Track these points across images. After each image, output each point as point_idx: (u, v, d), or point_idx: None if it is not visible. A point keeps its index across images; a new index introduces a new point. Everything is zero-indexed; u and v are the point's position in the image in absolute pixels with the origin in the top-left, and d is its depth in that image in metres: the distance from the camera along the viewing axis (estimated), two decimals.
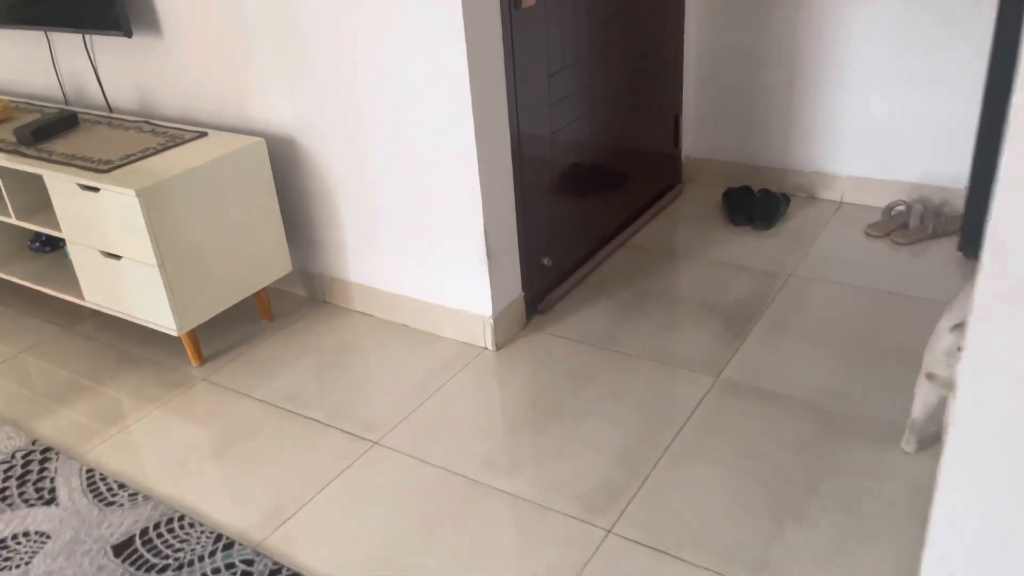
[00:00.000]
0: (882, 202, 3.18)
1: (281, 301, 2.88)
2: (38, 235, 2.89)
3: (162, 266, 2.30)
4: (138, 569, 1.78)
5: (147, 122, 2.72)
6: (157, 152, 2.45)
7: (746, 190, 3.28)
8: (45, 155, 2.47)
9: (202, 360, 2.56)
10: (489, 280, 2.41)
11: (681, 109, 3.41)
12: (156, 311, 2.40)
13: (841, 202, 3.26)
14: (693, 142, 3.50)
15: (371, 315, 2.75)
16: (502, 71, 2.25)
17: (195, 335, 2.50)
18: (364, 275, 2.72)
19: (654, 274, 2.86)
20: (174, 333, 2.39)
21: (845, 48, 3.01)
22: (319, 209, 2.66)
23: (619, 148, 2.96)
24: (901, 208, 3.06)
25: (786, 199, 3.21)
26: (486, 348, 2.51)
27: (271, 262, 2.64)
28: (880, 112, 3.05)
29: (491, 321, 2.46)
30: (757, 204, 3.16)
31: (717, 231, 3.13)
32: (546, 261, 2.66)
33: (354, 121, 2.41)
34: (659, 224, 3.23)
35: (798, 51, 3.11)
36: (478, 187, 2.27)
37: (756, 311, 2.58)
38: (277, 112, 2.56)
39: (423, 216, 2.45)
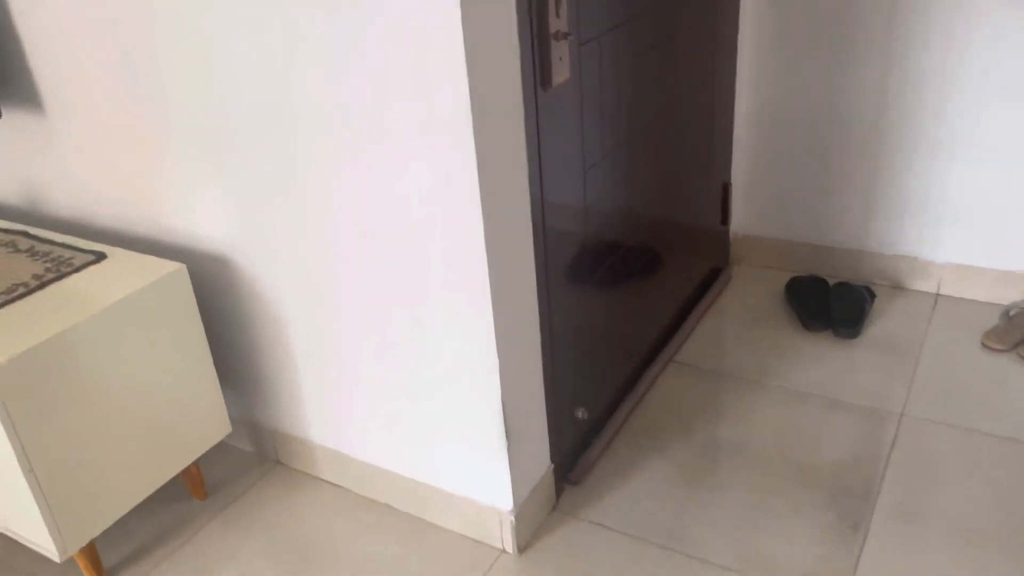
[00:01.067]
0: (991, 297, 2.51)
1: (219, 462, 2.15)
2: None
3: (31, 472, 1.56)
4: None
5: (26, 233, 1.98)
6: (32, 290, 1.71)
7: (817, 281, 2.59)
8: None
9: None
10: (508, 464, 1.70)
11: (730, 177, 2.72)
12: (30, 529, 1.66)
13: (938, 294, 2.59)
14: (743, 216, 2.81)
15: (343, 488, 2.03)
16: (524, 175, 1.54)
17: (93, 548, 1.76)
18: (330, 437, 2.00)
19: (717, 412, 2.16)
20: (56, 558, 1.66)
21: (947, 104, 2.34)
22: (265, 350, 1.94)
23: (659, 230, 2.26)
24: None
25: (870, 294, 2.53)
26: (504, 551, 1.80)
27: (201, 427, 1.91)
28: (993, 184, 2.38)
29: (511, 517, 1.75)
30: (835, 302, 2.47)
31: (786, 338, 2.44)
32: (580, 414, 1.96)
33: (314, 239, 1.68)
34: (710, 327, 2.53)
35: (884, 107, 2.43)
36: (493, 343, 1.56)
37: (870, 482, 1.89)
38: (205, 223, 1.83)
39: (411, 376, 1.73)
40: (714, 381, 2.29)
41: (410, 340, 1.68)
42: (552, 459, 1.88)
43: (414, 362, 1.71)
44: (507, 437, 1.67)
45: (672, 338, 2.42)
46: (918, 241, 2.56)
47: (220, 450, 2.19)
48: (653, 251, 2.19)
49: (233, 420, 2.15)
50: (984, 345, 2.32)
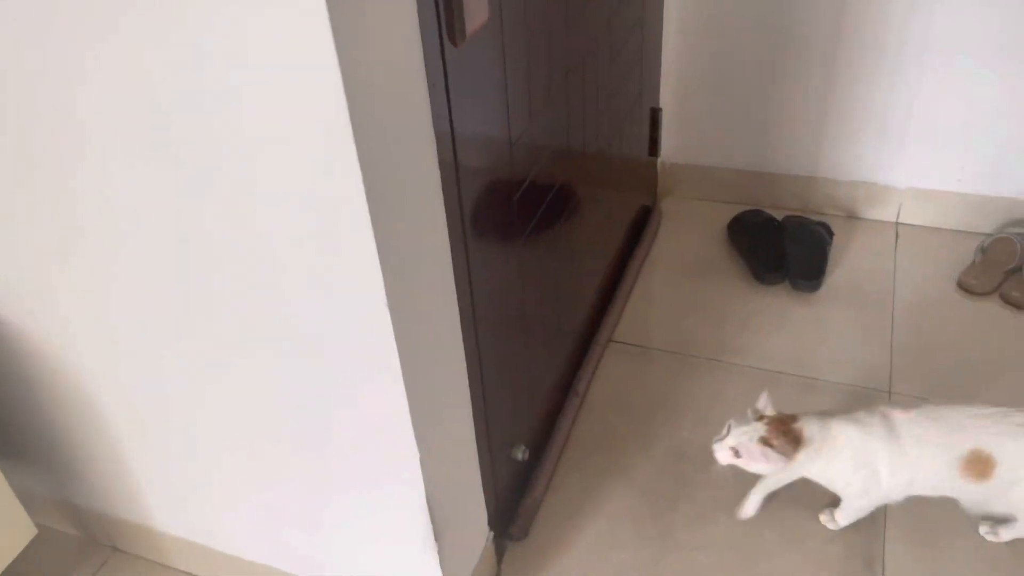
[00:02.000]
0: (956, 223, 2.18)
1: (39, 558, 1.58)
2: None
3: None
4: None
5: None
6: None
7: (765, 221, 2.19)
8: None
9: None
10: (439, 561, 1.24)
11: (658, 101, 2.23)
12: None
13: (898, 223, 2.24)
14: (675, 144, 2.34)
15: None
16: (434, 165, 1.00)
17: None
18: (183, 526, 1.47)
19: (675, 409, 1.75)
20: None
21: (911, 11, 1.91)
22: (70, 427, 1.36)
23: (583, 174, 1.77)
24: (1007, 242, 2.06)
25: (828, 232, 2.15)
26: None
27: None
28: (959, 100, 2.00)
29: None
30: (791, 246, 2.08)
31: (738, 296, 2.04)
32: (520, 454, 1.50)
33: (124, 284, 1.10)
34: (647, 289, 2.10)
35: (840, 13, 1.98)
36: (407, 418, 1.05)
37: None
38: None
39: (296, 462, 1.21)
40: (664, 364, 1.87)
41: (284, 415, 1.15)
42: (491, 524, 1.43)
43: (294, 446, 1.19)
44: (436, 538, 1.20)
45: (606, 313, 1.98)
46: (876, 165, 2.18)
47: (38, 544, 1.61)
48: (579, 201, 1.70)
49: (51, 503, 1.57)
50: (961, 287, 2.00)
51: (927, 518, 1.49)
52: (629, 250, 2.16)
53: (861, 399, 1.74)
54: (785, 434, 1.31)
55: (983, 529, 1.45)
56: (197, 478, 1.34)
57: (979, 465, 1.28)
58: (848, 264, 2.11)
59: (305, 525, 1.32)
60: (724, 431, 1.36)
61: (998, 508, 1.39)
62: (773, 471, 1.34)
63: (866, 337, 1.89)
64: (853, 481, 1.36)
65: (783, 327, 1.94)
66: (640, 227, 2.24)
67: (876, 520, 1.49)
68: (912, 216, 2.22)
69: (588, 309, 1.87)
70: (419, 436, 1.07)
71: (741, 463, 1.34)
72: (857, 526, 1.48)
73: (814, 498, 1.53)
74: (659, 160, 2.36)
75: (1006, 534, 1.43)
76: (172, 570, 1.53)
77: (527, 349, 1.49)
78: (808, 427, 1.33)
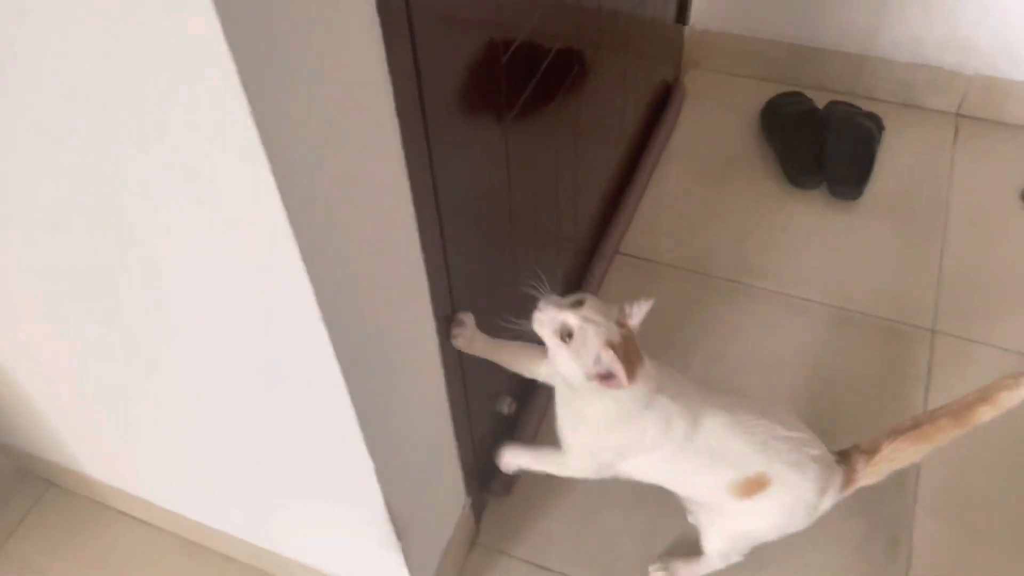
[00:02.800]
0: None
1: None
2: None
3: None
4: None
5: None
6: None
7: (806, 111, 1.86)
8: None
9: None
10: (404, 559, 1.06)
11: None
12: None
13: (958, 115, 1.92)
14: (704, 7, 1.97)
15: (147, 523, 1.36)
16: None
17: None
18: (118, 479, 1.29)
19: (684, 341, 1.53)
20: None
21: None
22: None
23: (594, 41, 1.45)
24: None
25: (878, 126, 1.84)
26: None
27: None
28: None
29: None
30: (833, 143, 1.78)
31: (766, 202, 1.77)
32: (506, 407, 1.29)
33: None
34: (663, 190, 1.81)
35: None
36: (350, 409, 0.83)
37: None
38: None
39: (228, 436, 1.01)
40: (676, 285, 1.63)
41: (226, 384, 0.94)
42: (469, 484, 1.25)
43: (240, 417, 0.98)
44: (399, 537, 1.01)
45: (613, 220, 1.71)
46: (942, 45, 1.83)
47: None
48: (585, 71, 1.38)
49: None
50: None
51: (960, 493, 1.32)
52: (644, 139, 1.85)
53: (899, 338, 1.51)
54: (631, 360, 0.98)
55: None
56: (127, 436, 1.14)
57: (753, 486, 1.05)
58: (897, 165, 1.81)
59: (248, 503, 1.14)
60: (568, 299, 0.98)
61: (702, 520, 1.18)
62: (579, 380, 0.97)
63: (912, 259, 1.64)
64: (605, 438, 1.05)
65: (816, 244, 1.68)
66: (658, 109, 1.92)
67: (905, 492, 1.31)
68: (977, 108, 1.90)
69: (592, 214, 1.61)
70: (363, 410, 0.84)
71: (557, 346, 0.96)
72: (883, 498, 1.31)
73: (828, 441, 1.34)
74: (686, 28, 2.00)
75: (702, 570, 1.23)
76: (112, 510, 1.37)
77: (515, 268, 1.24)
78: (647, 370, 1.01)
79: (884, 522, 1.29)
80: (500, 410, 1.29)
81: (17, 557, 1.33)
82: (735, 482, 1.04)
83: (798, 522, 1.10)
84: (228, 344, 0.82)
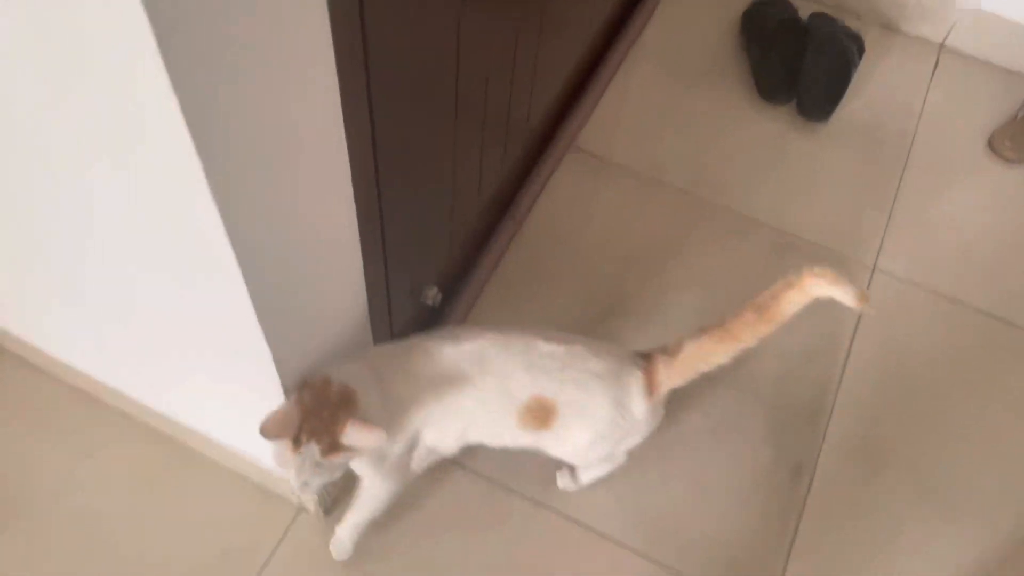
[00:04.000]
0: (1012, 62, 1.80)
1: None
2: None
3: None
4: None
5: None
6: None
7: (788, 21, 1.76)
8: None
9: None
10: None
11: None
12: None
13: (942, 47, 1.84)
14: None
15: (38, 368, 1.30)
16: None
17: None
18: (3, 315, 1.22)
19: (625, 248, 1.49)
20: None
21: None
22: None
23: None
24: None
25: (859, 48, 1.75)
26: (304, 510, 1.21)
27: None
28: None
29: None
30: (811, 60, 1.69)
31: (732, 112, 1.69)
32: (431, 298, 1.24)
33: None
34: (628, 86, 1.72)
35: None
36: (244, 291, 0.77)
37: (818, 406, 1.36)
38: None
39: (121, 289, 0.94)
40: (626, 187, 1.57)
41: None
42: None
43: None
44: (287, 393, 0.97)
45: (570, 112, 1.62)
46: None
47: None
48: None
49: None
50: (992, 148, 1.68)
51: (869, 438, 1.33)
52: (614, 31, 1.74)
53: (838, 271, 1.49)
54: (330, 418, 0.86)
55: (560, 482, 1.23)
56: (15, 269, 1.06)
57: (539, 414, 0.99)
58: (870, 92, 1.74)
59: (143, 368, 1.09)
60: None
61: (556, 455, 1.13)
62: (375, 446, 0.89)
63: (867, 193, 1.60)
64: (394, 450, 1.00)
65: (776, 164, 1.63)
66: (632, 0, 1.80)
67: (816, 429, 1.32)
68: (962, 42, 1.82)
69: (549, 103, 1.51)
70: (259, 294, 0.78)
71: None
72: (795, 430, 1.31)
73: (752, 378, 1.34)
74: None
75: (583, 477, 1.21)
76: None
77: (456, 152, 1.16)
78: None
79: (791, 453, 1.30)
80: (424, 301, 1.23)
81: None
82: (519, 415, 0.98)
83: (622, 433, 1.05)
84: (123, 196, 0.73)
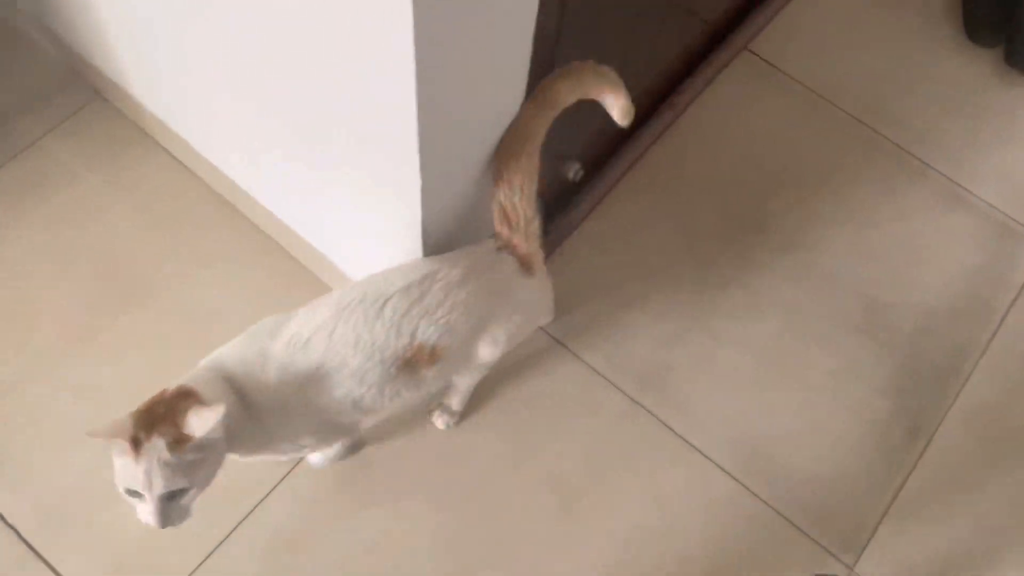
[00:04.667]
0: None
1: (21, 67, 1.37)
2: None
3: None
4: None
5: None
6: None
7: None
8: None
9: None
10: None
11: None
12: None
13: None
14: None
15: (185, 167, 1.32)
16: None
17: None
18: (164, 108, 1.22)
19: (781, 169, 1.39)
20: None
21: None
22: None
23: None
24: None
25: None
26: None
27: None
28: None
29: None
30: None
31: (932, 47, 1.53)
32: (572, 173, 1.19)
33: None
34: (800, 9, 1.58)
35: None
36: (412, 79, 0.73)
37: (954, 365, 1.27)
38: None
39: (286, 123, 0.92)
40: (794, 102, 1.46)
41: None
42: None
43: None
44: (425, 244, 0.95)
45: (751, 12, 1.49)
46: None
47: (23, 58, 1.38)
48: None
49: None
50: None
51: (998, 416, 1.24)
52: None
53: (1004, 237, 1.36)
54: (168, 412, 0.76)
55: (438, 422, 1.15)
56: (179, 69, 1.06)
57: (422, 358, 0.87)
58: None
59: (288, 184, 1.08)
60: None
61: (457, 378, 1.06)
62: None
63: None
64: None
65: (965, 111, 1.48)
66: None
67: (945, 395, 1.24)
68: None
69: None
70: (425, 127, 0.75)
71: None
72: (920, 391, 1.23)
73: (895, 333, 1.26)
74: None
75: (455, 405, 1.13)
76: (152, 141, 1.33)
77: (635, 24, 1.09)
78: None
79: (912, 412, 1.23)
80: (565, 174, 1.18)
81: (51, 154, 1.31)
82: (400, 360, 0.85)
83: (524, 323, 0.98)
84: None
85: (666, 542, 1.12)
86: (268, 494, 1.11)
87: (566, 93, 0.89)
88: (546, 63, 0.89)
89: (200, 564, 1.07)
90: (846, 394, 1.23)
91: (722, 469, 1.16)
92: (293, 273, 1.25)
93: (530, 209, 0.91)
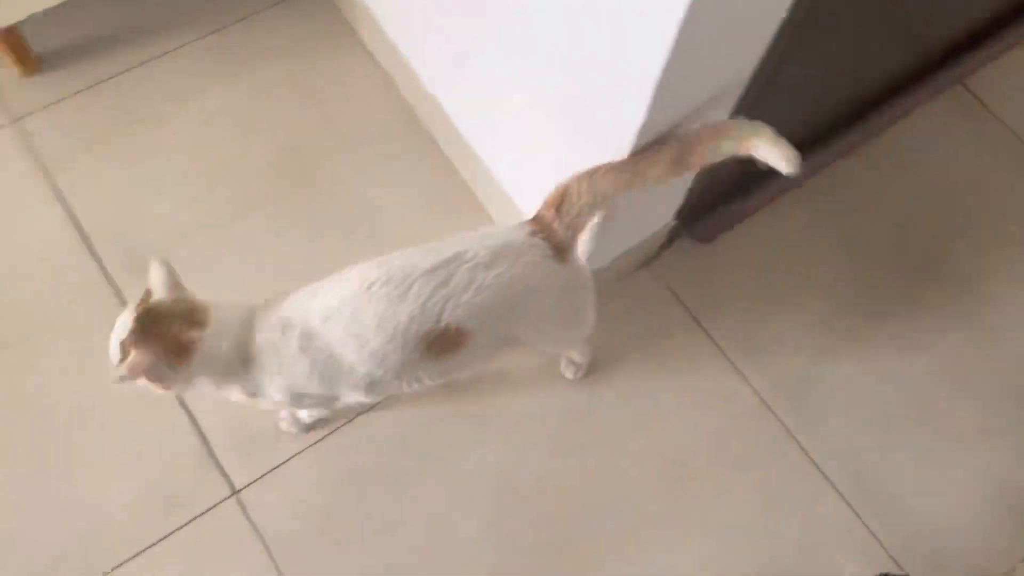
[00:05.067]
0: None
1: None
2: None
3: None
4: None
5: None
6: None
7: None
8: None
9: (34, 67, 1.30)
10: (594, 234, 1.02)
11: None
12: None
13: None
14: None
15: (386, 73, 1.35)
16: None
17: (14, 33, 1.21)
18: (397, 35, 1.26)
19: (981, 213, 1.33)
20: None
21: None
22: None
23: None
24: None
25: None
26: None
27: None
28: None
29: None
30: None
31: None
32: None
33: None
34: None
35: None
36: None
37: None
38: None
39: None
40: (1002, 151, 1.39)
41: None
42: (676, 216, 1.17)
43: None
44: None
45: (980, 44, 1.42)
46: None
47: None
48: None
49: None
50: None
51: None
52: None
53: None
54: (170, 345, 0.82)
55: (567, 372, 1.16)
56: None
57: (447, 341, 0.86)
58: None
59: (509, 129, 1.09)
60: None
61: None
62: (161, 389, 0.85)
63: None
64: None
65: None
66: None
67: None
68: None
69: (960, 27, 1.34)
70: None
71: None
72: None
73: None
74: None
75: (576, 357, 1.14)
76: (359, 42, 1.37)
77: (858, 32, 1.06)
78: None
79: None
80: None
81: (273, 28, 1.36)
82: (423, 343, 0.85)
83: (565, 315, 0.96)
84: None
85: (762, 545, 1.10)
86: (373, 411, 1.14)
87: (716, 156, 0.86)
88: (778, 49, 0.87)
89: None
90: (990, 459, 1.17)
91: (838, 493, 1.13)
92: (461, 196, 1.27)
93: (588, 212, 0.88)
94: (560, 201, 0.87)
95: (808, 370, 1.20)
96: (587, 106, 0.90)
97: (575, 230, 0.89)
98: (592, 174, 0.86)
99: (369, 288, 0.83)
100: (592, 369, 1.17)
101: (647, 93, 0.77)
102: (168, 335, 0.80)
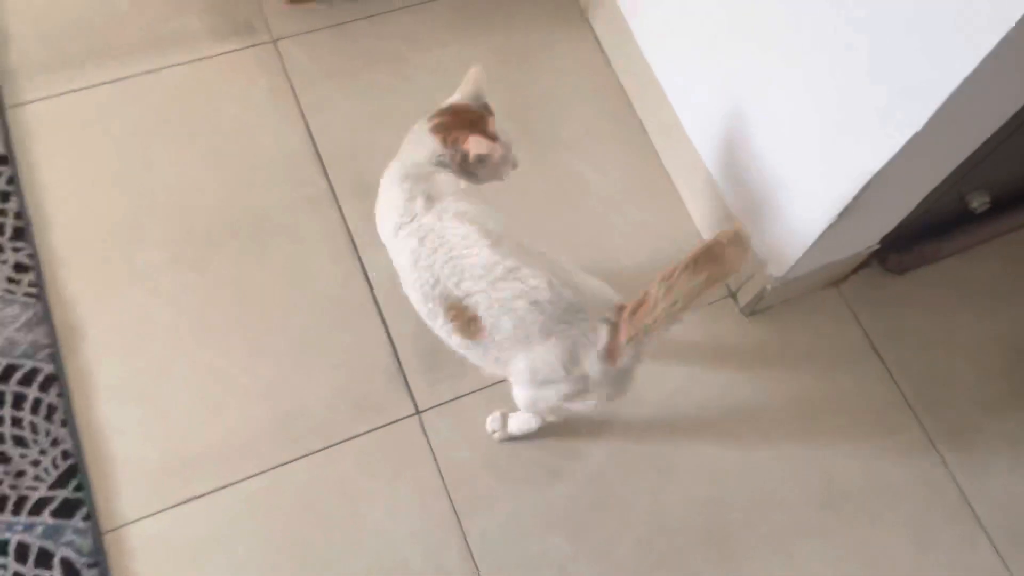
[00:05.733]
0: None
1: None
2: None
3: None
4: None
5: None
6: None
7: None
8: None
9: None
10: (816, 239, 1.06)
11: None
12: None
13: None
14: None
15: (610, 60, 1.42)
16: None
17: None
18: (633, 18, 1.32)
19: None
20: None
21: None
22: None
23: None
24: None
25: None
26: (734, 300, 1.26)
27: None
28: None
29: (769, 281, 1.17)
30: None
31: None
32: (976, 203, 1.17)
33: None
34: None
35: None
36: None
37: None
38: None
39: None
40: None
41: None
42: (883, 240, 1.19)
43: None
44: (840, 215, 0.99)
45: None
46: None
47: None
48: None
49: None
50: None
51: None
52: None
53: None
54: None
55: (489, 423, 1.13)
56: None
57: (463, 319, 0.91)
58: None
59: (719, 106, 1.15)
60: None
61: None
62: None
63: None
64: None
65: None
66: None
67: None
68: None
69: None
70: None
71: None
72: None
73: None
74: None
75: (512, 424, 1.12)
76: (586, 21, 1.44)
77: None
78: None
79: None
80: (969, 203, 1.17)
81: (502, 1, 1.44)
82: (449, 304, 0.91)
83: (572, 386, 0.91)
84: None
85: None
86: None
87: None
88: None
89: None
90: None
91: (991, 542, 1.14)
92: (664, 190, 1.32)
93: (662, 323, 0.85)
94: (641, 305, 0.86)
95: (981, 419, 1.21)
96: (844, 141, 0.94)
97: (637, 343, 0.87)
98: (667, 276, 0.83)
99: (440, 236, 0.92)
100: (759, 371, 1.21)
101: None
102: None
